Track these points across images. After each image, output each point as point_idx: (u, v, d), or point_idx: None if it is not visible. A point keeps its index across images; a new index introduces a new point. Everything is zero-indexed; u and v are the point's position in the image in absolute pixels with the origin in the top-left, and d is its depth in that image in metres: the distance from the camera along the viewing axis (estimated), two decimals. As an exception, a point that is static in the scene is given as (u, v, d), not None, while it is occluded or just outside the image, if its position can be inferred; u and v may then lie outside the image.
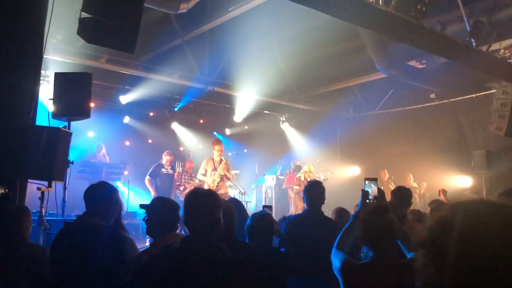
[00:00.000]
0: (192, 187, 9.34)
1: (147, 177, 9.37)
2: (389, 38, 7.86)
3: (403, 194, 4.44)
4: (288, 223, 4.16)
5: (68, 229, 2.97)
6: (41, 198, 4.29)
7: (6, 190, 3.79)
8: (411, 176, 11.66)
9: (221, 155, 9.16)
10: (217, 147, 9.16)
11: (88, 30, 4.43)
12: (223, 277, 2.18)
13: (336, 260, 2.36)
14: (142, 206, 3.40)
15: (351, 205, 5.52)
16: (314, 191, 4.25)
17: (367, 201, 2.65)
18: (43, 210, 4.30)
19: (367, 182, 2.76)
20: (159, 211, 3.13)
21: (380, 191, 2.70)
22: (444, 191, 9.14)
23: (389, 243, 2.30)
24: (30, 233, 3.20)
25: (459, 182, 10.75)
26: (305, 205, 4.32)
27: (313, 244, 3.76)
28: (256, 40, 10.32)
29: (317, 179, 9.75)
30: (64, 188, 4.91)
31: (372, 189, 2.70)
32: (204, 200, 2.37)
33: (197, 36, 9.66)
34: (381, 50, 9.44)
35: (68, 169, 4.81)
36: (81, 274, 2.72)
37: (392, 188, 5.20)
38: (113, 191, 3.16)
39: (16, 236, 3.07)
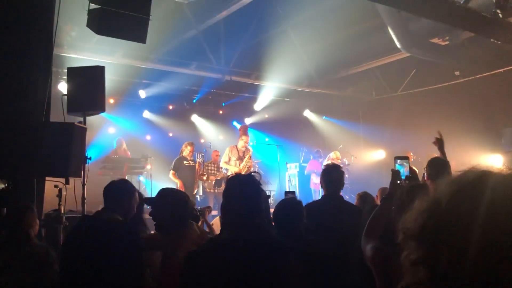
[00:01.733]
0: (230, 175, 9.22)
1: (171, 171, 9.19)
2: (410, 14, 7.54)
3: (440, 165, 4.00)
4: (306, 211, 3.96)
5: (84, 223, 2.88)
6: (59, 196, 4.22)
7: (6, 185, 3.72)
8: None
9: (246, 145, 9.05)
10: (244, 138, 9.03)
11: (97, 21, 4.33)
12: (275, 264, 2.05)
13: (367, 249, 2.16)
14: (146, 200, 3.23)
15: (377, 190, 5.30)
16: (331, 175, 4.02)
17: (398, 182, 2.43)
18: (62, 207, 4.23)
19: (398, 161, 2.51)
20: (170, 205, 2.94)
21: (412, 171, 2.48)
22: (474, 170, 8.72)
23: None
24: (37, 231, 3.12)
25: (489, 161, 10.36)
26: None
27: (333, 232, 3.56)
28: (271, 26, 10.10)
29: (335, 163, 9.54)
30: (83, 184, 4.83)
31: (404, 169, 2.48)
32: (256, 184, 2.21)
33: (212, 25, 9.49)
34: (401, 28, 9.09)
35: (86, 165, 4.73)
36: (92, 269, 2.62)
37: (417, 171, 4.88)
38: (132, 189, 3.06)
39: (19, 235, 2.99)
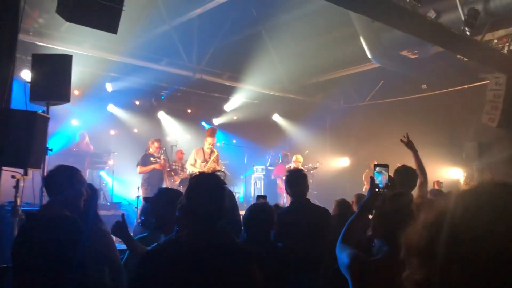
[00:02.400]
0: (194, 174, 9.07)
1: (139, 166, 8.92)
2: (384, 24, 7.65)
3: (408, 173, 4.02)
4: (278, 218, 3.91)
5: (31, 220, 2.72)
6: (16, 187, 4.02)
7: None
8: (401, 168, 11.51)
9: (212, 148, 8.89)
10: (209, 140, 8.87)
11: (68, 8, 4.15)
12: (236, 270, 2.01)
13: (343, 256, 2.11)
14: (147, 199, 3.14)
15: (343, 196, 5.32)
16: (294, 180, 4.01)
17: (377, 190, 2.39)
18: (18, 199, 4.03)
19: (377, 168, 2.45)
20: (171, 203, 2.85)
21: (391, 179, 2.44)
22: (438, 182, 9.00)
23: None
24: None
25: (451, 173, 10.62)
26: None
27: (305, 237, 3.55)
28: (245, 28, 10.05)
29: (298, 168, 9.54)
30: (42, 176, 4.62)
31: (383, 176, 2.44)
32: (220, 184, 2.14)
33: (185, 22, 9.35)
34: (373, 39, 9.24)
35: (46, 156, 4.53)
36: (45, 270, 2.50)
37: None
38: (71, 173, 2.87)
39: None
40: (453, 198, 0.82)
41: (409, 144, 4.23)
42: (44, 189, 2.78)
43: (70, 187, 2.74)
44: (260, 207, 3.21)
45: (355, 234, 2.24)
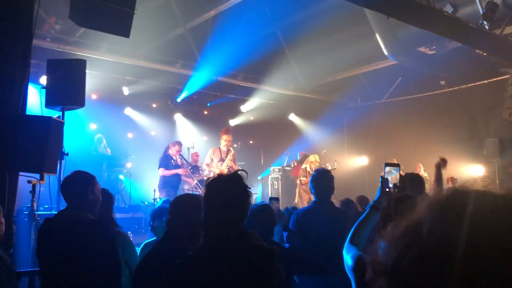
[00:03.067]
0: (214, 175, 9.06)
1: (161, 168, 8.90)
2: (399, 21, 7.53)
3: (415, 181, 4.00)
4: (296, 217, 3.86)
5: (49, 225, 2.73)
6: (32, 192, 4.06)
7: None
8: (421, 166, 11.35)
9: (228, 146, 8.85)
10: (225, 137, 8.81)
11: (81, 13, 4.19)
12: (269, 269, 1.98)
13: (348, 257, 2.04)
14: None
15: (362, 195, 5.25)
16: (321, 180, 3.92)
17: (387, 189, 2.32)
18: (35, 204, 4.07)
19: (387, 168, 2.36)
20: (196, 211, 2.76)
21: (402, 179, 2.36)
22: (453, 179, 8.72)
23: None
24: (2, 231, 2.96)
25: (471, 171, 10.41)
26: (311, 196, 4.04)
27: (324, 239, 3.48)
28: (260, 28, 10.03)
29: (326, 168, 9.42)
30: (59, 181, 4.67)
31: (393, 176, 2.36)
32: (242, 185, 2.05)
33: (199, 24, 9.38)
34: (389, 35, 9.11)
35: (62, 161, 4.57)
36: (69, 272, 2.51)
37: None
38: (89, 178, 2.87)
39: None
40: (422, 211, 0.73)
41: (440, 167, 4.15)
42: (62, 195, 2.80)
43: (88, 192, 2.76)
44: (259, 207, 3.19)
45: (363, 235, 2.17)
